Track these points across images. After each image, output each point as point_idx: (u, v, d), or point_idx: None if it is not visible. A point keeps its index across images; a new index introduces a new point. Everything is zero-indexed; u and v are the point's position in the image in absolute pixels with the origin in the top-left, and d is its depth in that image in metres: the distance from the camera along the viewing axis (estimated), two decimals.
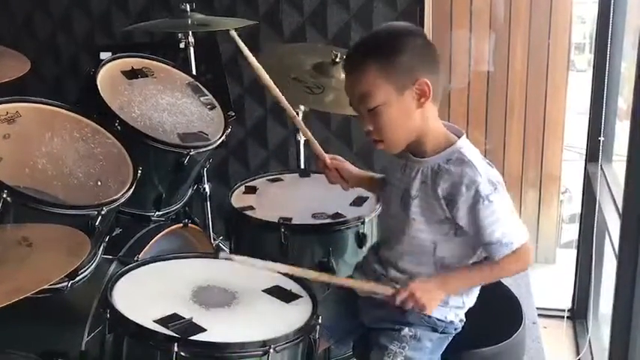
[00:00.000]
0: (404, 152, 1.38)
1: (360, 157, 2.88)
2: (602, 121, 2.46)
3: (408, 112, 1.31)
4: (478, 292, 1.45)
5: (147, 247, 1.83)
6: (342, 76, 2.18)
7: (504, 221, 1.30)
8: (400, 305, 1.35)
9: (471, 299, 1.44)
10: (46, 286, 1.17)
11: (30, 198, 1.48)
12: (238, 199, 1.96)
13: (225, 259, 1.41)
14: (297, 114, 2.34)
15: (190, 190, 2.19)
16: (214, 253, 2.01)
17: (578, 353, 2.49)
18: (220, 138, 2.02)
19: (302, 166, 2.37)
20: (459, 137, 1.35)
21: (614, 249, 1.91)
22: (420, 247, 1.37)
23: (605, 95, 2.46)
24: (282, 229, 1.73)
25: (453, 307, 1.41)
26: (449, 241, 1.36)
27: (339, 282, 1.52)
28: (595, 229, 2.45)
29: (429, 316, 1.40)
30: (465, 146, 1.34)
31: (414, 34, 1.33)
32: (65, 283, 1.56)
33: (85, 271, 1.64)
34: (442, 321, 1.41)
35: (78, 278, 1.60)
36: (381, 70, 1.29)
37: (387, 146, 1.35)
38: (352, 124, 2.86)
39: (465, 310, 1.44)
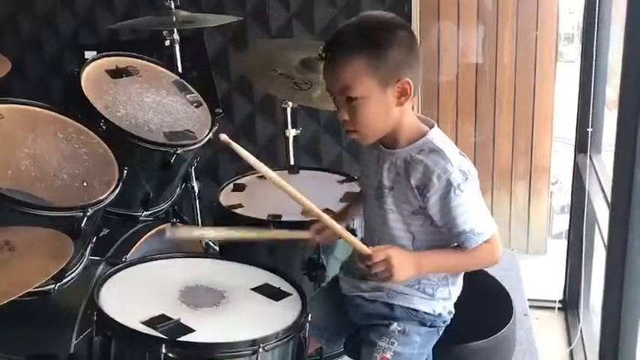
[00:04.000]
0: (376, 144, 1.37)
1: (349, 151, 2.87)
2: (591, 112, 2.46)
3: (387, 108, 1.30)
4: (462, 280, 1.44)
5: (135, 248, 1.81)
6: None
7: (475, 211, 1.30)
8: (370, 268, 1.30)
9: (457, 288, 1.43)
10: (32, 289, 1.16)
11: (13, 200, 1.46)
12: (227, 196, 1.95)
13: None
14: (285, 110, 2.34)
15: (179, 189, 2.17)
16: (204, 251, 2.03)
17: (570, 344, 2.49)
18: (207, 136, 2.01)
19: (291, 163, 2.36)
20: (431, 128, 1.35)
21: (603, 239, 1.91)
22: (399, 239, 1.36)
23: (593, 86, 2.45)
24: (272, 227, 1.72)
25: (440, 299, 1.40)
26: (427, 232, 1.35)
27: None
28: (585, 220, 2.45)
29: (417, 310, 1.39)
30: (437, 137, 1.34)
31: (401, 28, 1.30)
32: (52, 286, 1.54)
33: (73, 272, 1.63)
34: (430, 314, 1.40)
35: (65, 280, 1.59)
36: (368, 64, 1.26)
37: (360, 137, 1.34)
38: None
39: (453, 301, 1.43)
